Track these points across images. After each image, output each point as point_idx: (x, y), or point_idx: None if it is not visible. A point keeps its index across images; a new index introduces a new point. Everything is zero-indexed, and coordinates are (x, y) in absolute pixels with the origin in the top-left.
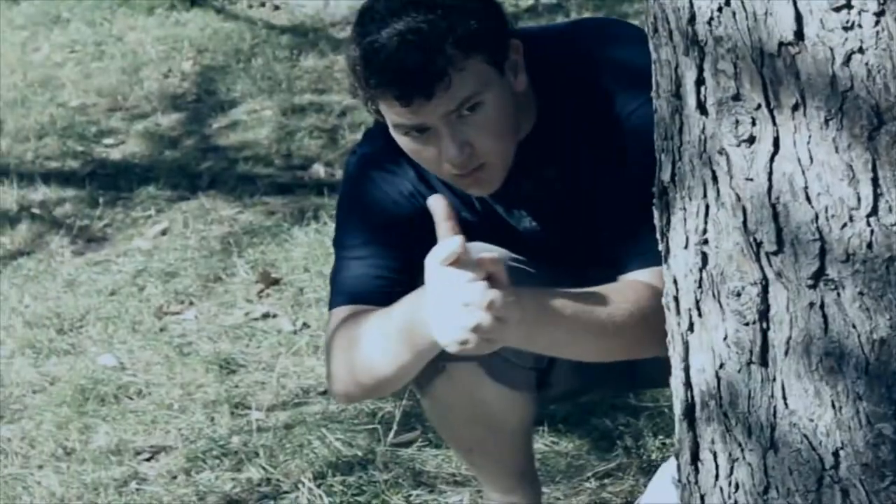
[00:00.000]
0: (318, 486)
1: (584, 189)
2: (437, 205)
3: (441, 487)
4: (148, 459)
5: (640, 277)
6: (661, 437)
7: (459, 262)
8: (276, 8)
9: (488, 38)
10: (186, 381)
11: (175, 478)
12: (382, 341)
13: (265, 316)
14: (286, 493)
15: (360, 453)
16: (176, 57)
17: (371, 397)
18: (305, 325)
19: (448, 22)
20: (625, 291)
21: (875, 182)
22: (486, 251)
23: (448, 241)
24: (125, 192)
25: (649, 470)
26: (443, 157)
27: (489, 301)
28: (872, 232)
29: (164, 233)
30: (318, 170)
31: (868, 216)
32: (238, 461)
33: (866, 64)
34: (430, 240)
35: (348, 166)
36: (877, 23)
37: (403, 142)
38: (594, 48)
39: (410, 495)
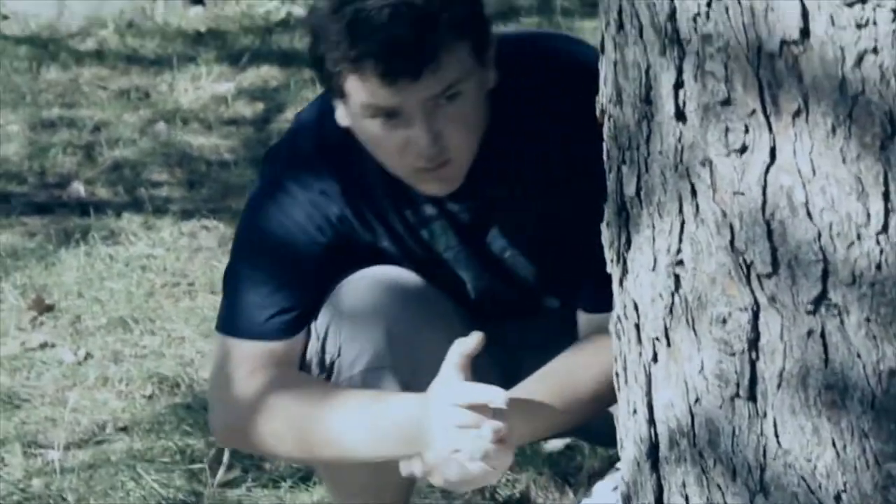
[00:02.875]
0: None
1: (532, 218)
2: (470, 344)
3: None
4: None
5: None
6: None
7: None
8: (5, 17)
9: (477, 25)
10: None
11: None
12: (361, 431)
13: (43, 346)
14: None
15: (181, 496)
16: None
17: (268, 455)
18: (89, 355)
19: (441, 0)
20: (598, 353)
21: (886, 197)
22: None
23: (465, 385)
24: None
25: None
26: (410, 148)
27: (487, 454)
28: (882, 251)
29: None
30: (78, 188)
31: (878, 234)
32: None
33: (880, 66)
34: (347, 265)
35: (264, 174)
36: (894, 19)
37: (367, 126)
38: (556, 71)
39: None
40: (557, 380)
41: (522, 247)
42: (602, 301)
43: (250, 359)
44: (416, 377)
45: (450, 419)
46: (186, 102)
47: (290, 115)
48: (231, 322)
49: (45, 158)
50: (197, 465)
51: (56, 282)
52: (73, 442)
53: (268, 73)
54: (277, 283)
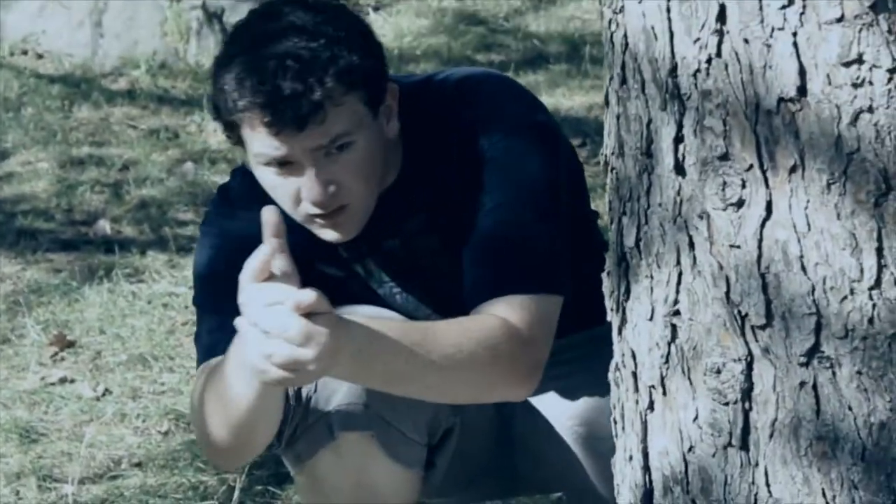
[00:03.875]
0: None
1: (457, 241)
2: (268, 217)
3: None
4: None
5: (494, 309)
6: None
7: (272, 278)
8: (40, 56)
9: (369, 77)
10: None
11: None
12: (232, 382)
13: (62, 381)
14: None
15: None
16: None
17: (244, 455)
18: (108, 391)
19: (331, 52)
20: (475, 324)
21: (880, 252)
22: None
23: (256, 254)
24: None
25: None
26: (303, 196)
27: (290, 331)
28: (875, 306)
29: None
30: (104, 226)
31: (871, 289)
32: None
33: (875, 124)
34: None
35: (206, 213)
36: (889, 80)
37: (262, 174)
38: (466, 94)
39: None
40: (414, 325)
41: (457, 274)
42: (489, 289)
43: (201, 378)
44: (393, 413)
45: (254, 304)
46: (215, 143)
47: None
48: (198, 353)
49: (73, 196)
50: (209, 502)
51: (78, 318)
52: (87, 477)
53: None
54: (224, 307)
